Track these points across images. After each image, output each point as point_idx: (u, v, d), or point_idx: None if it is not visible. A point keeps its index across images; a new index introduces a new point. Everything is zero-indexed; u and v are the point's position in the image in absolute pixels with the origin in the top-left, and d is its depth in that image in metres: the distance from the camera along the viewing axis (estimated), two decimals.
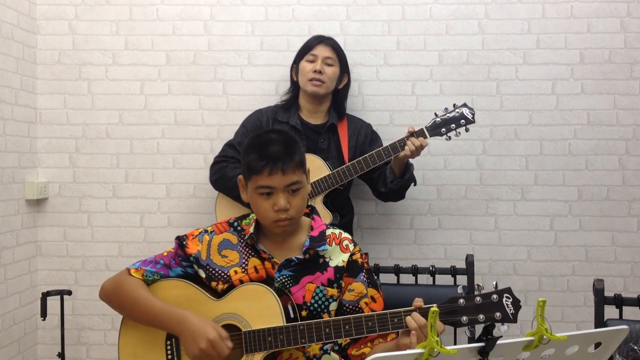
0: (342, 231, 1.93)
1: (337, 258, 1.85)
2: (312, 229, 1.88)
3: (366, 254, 2.00)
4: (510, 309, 1.56)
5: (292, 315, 1.75)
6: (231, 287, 1.81)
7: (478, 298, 1.57)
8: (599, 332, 1.27)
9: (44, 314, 2.83)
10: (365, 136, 2.89)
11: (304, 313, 1.79)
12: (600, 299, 2.17)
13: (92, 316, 3.20)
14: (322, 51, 2.82)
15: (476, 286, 1.54)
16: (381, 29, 3.14)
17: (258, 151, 1.79)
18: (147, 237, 3.19)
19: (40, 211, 3.20)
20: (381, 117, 3.12)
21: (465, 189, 3.13)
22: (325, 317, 1.79)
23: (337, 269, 1.84)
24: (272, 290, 1.75)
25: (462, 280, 2.63)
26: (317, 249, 1.83)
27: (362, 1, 3.14)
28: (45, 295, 2.84)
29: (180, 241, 1.91)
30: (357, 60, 3.11)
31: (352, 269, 1.85)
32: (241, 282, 1.81)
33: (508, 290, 1.57)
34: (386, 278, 2.69)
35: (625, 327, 1.28)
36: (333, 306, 1.82)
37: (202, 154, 3.17)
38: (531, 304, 3.00)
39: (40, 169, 3.20)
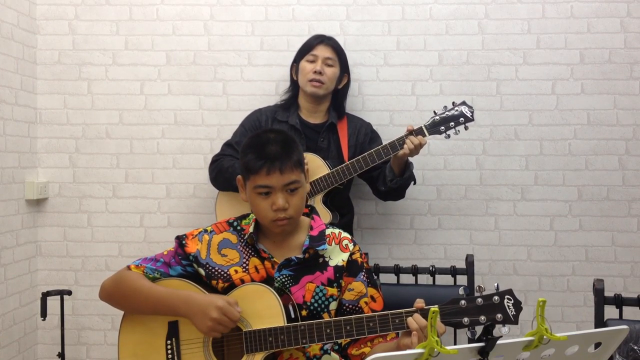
0: (341, 231, 1.93)
1: (337, 257, 1.86)
2: (311, 228, 1.88)
3: (366, 253, 2.00)
4: (512, 311, 1.56)
5: (292, 315, 1.75)
6: (232, 286, 1.81)
7: (479, 299, 1.57)
8: (599, 332, 1.27)
9: (44, 314, 2.83)
10: (365, 135, 2.89)
11: (304, 313, 1.79)
12: (600, 299, 2.17)
13: (92, 316, 3.20)
14: (322, 51, 2.81)
15: (477, 287, 1.54)
16: (381, 29, 3.14)
17: (256, 151, 1.79)
18: (147, 237, 3.19)
19: (40, 211, 3.20)
20: (381, 117, 3.12)
21: (465, 189, 3.13)
22: (325, 317, 1.79)
23: (336, 268, 1.84)
24: (273, 290, 1.75)
25: (462, 280, 2.63)
26: (317, 248, 1.83)
27: (362, 1, 3.14)
28: (45, 295, 2.84)
29: (180, 240, 1.91)
30: (357, 60, 3.11)
31: (351, 268, 1.85)
32: (242, 281, 1.81)
33: (509, 292, 1.58)
34: (386, 278, 2.69)
35: (625, 327, 1.28)
36: (333, 306, 1.82)
37: (202, 154, 3.17)
38: (531, 304, 3.00)
39: (40, 169, 3.20)
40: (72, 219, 3.20)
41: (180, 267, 1.88)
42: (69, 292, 2.94)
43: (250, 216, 1.92)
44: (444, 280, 2.68)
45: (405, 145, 2.62)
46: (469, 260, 2.63)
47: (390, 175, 2.72)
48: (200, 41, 3.18)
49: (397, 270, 2.66)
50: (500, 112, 3.11)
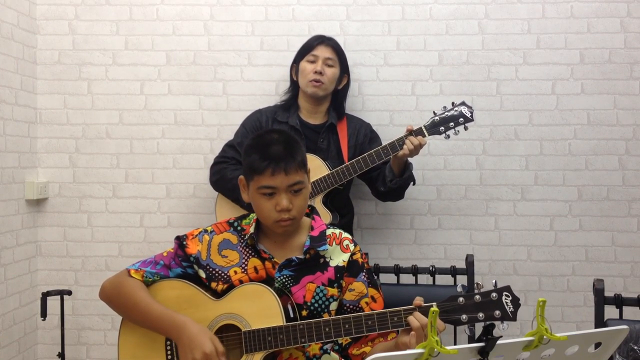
0: (342, 231, 1.93)
1: (338, 258, 1.85)
2: (312, 228, 1.88)
3: (366, 254, 2.00)
4: (510, 307, 1.56)
5: (291, 315, 1.75)
6: (231, 287, 1.81)
7: (477, 296, 1.57)
8: (599, 332, 1.27)
9: (44, 314, 2.83)
10: (365, 136, 2.89)
11: (304, 313, 1.79)
12: (600, 299, 2.17)
13: (92, 316, 3.20)
14: (323, 52, 2.81)
15: (476, 285, 1.54)
16: (381, 29, 3.14)
17: (260, 151, 1.78)
18: (147, 237, 3.19)
19: (40, 211, 3.20)
20: (381, 117, 3.12)
21: (465, 189, 3.13)
22: (326, 317, 1.79)
23: (337, 268, 1.84)
24: (271, 290, 1.75)
25: (462, 280, 2.63)
26: (318, 248, 1.83)
27: (362, 1, 3.14)
28: (45, 295, 2.84)
29: (180, 241, 1.90)
30: (357, 60, 3.11)
31: (352, 268, 1.85)
32: (240, 282, 1.81)
33: (507, 289, 1.58)
34: (386, 278, 2.69)
35: (625, 327, 1.28)
36: (333, 306, 1.82)
37: (202, 154, 3.17)
38: (531, 304, 3.00)
39: (40, 169, 3.20)
40: (72, 219, 3.20)
41: (181, 268, 1.88)
42: (69, 292, 2.94)
43: (250, 216, 1.92)
44: (444, 280, 2.68)
45: (405, 146, 2.62)
46: (469, 260, 2.63)
47: (390, 176, 2.72)
48: (200, 41, 3.18)
49: (397, 270, 2.66)
50: (500, 112, 3.11)
